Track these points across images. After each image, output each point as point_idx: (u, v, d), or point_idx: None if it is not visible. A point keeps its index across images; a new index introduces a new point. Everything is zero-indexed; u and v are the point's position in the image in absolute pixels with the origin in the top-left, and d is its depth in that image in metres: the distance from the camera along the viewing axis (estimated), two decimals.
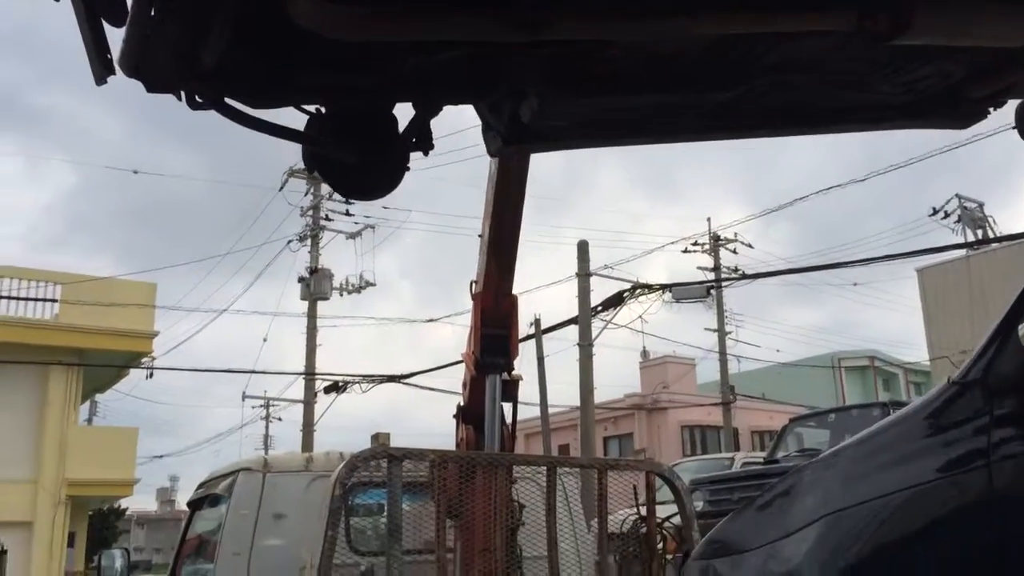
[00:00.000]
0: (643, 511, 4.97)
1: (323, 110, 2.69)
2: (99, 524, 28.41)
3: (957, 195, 25.53)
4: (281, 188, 23.66)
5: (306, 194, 23.95)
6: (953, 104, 2.74)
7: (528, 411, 20.25)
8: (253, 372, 23.94)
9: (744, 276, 20.30)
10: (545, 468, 4.83)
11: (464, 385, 5.50)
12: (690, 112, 2.73)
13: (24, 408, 19.46)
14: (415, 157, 2.80)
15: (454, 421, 5.49)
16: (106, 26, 2.28)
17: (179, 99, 2.46)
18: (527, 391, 21.69)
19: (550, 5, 2.13)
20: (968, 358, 1.81)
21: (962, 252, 19.40)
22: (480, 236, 5.21)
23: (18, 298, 19.21)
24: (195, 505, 5.80)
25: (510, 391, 5.27)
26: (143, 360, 21.39)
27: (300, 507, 4.91)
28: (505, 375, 5.19)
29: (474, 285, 5.29)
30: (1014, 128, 2.71)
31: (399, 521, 4.33)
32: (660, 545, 5.24)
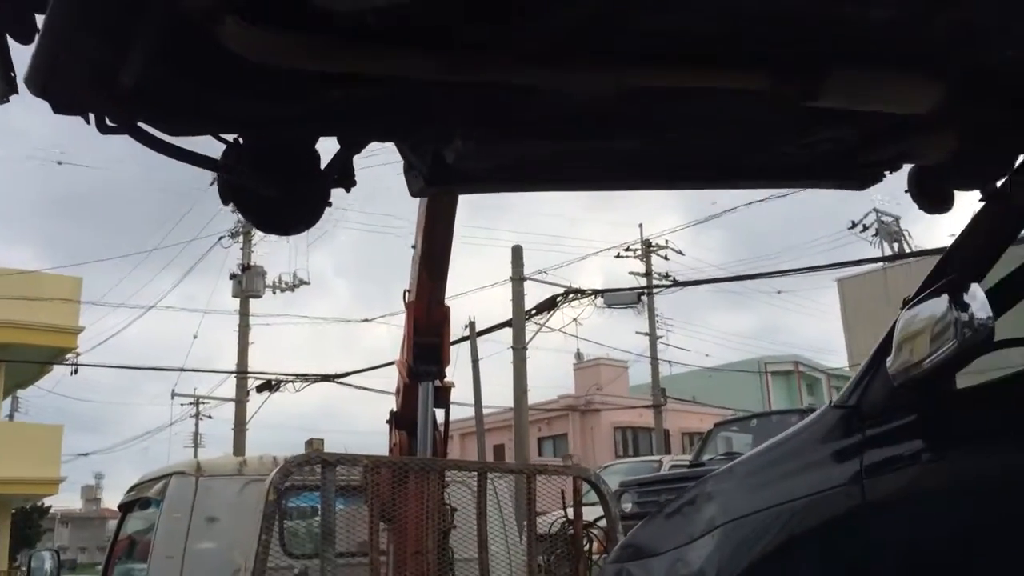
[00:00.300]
0: (571, 514, 5.18)
1: (241, 140, 2.61)
2: (22, 523, 27.70)
3: (875, 209, 26.53)
4: (212, 183, 23.35)
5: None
6: (849, 167, 2.84)
7: (463, 411, 20.43)
8: (182, 370, 23.63)
9: (675, 283, 20.76)
10: (476, 473, 4.99)
11: (397, 392, 5.63)
12: (603, 160, 2.80)
13: None
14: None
15: (387, 426, 5.62)
16: (12, 42, 2.18)
17: (87, 122, 2.35)
18: (462, 391, 21.85)
19: (483, 48, 2.14)
20: (846, 385, 2.03)
21: (879, 264, 20.21)
22: (413, 247, 5.36)
23: None
24: (127, 508, 5.82)
25: (442, 398, 5.43)
26: (67, 356, 20.95)
27: (233, 511, 4.98)
28: (437, 382, 5.34)
29: (407, 295, 5.43)
30: (906, 192, 2.82)
31: (332, 525, 4.45)
32: (587, 546, 5.46)
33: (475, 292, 30.78)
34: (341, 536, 4.70)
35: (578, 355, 37.12)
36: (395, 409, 5.58)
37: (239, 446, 22.42)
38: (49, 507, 33.61)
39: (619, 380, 36.18)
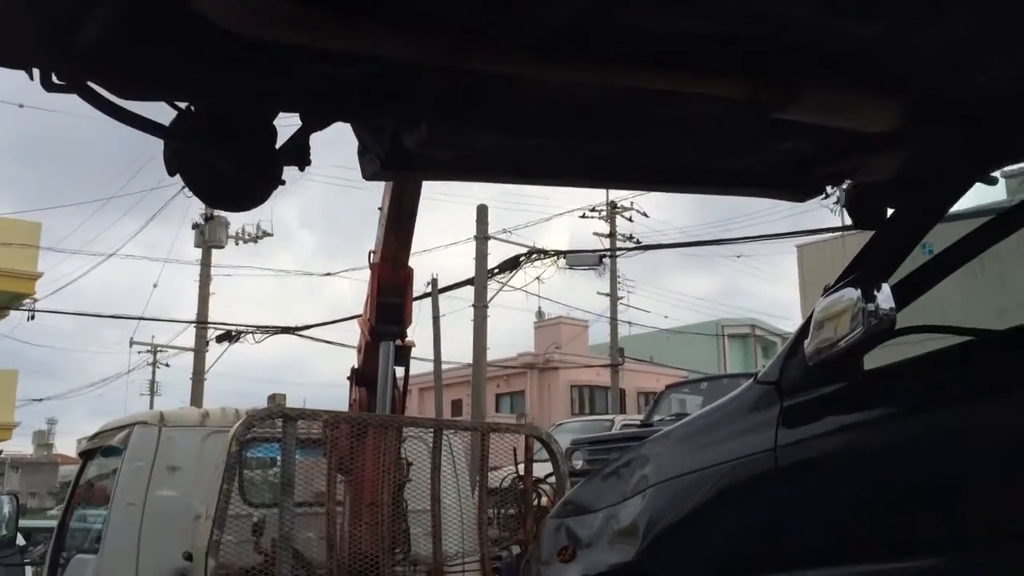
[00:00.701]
0: (521, 470, 5.40)
1: (193, 109, 2.52)
2: None
3: None
4: None
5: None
6: (798, 178, 2.95)
7: (423, 366, 20.63)
8: (141, 319, 23.52)
9: (638, 246, 21.02)
10: (432, 430, 5.18)
11: (359, 349, 5.78)
12: (573, 158, 2.80)
13: None
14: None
15: (348, 381, 5.78)
16: None
17: (31, 77, 2.23)
18: (423, 347, 22.03)
19: (479, 34, 2.10)
20: (770, 362, 2.23)
21: (838, 233, 20.60)
22: (380, 209, 5.47)
23: None
24: (88, 455, 5.93)
25: (403, 356, 5.59)
26: (25, 301, 20.73)
27: (195, 461, 5.12)
28: (398, 341, 5.50)
29: (372, 255, 5.56)
30: (842, 207, 2.97)
31: (292, 476, 4.61)
32: (537, 501, 5.70)
33: (439, 249, 30.91)
34: (300, 487, 4.88)
35: (539, 314, 37.43)
36: (356, 366, 5.73)
37: (197, 396, 22.44)
38: (0, 451, 33.30)
39: (579, 339, 36.58)
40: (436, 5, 2.05)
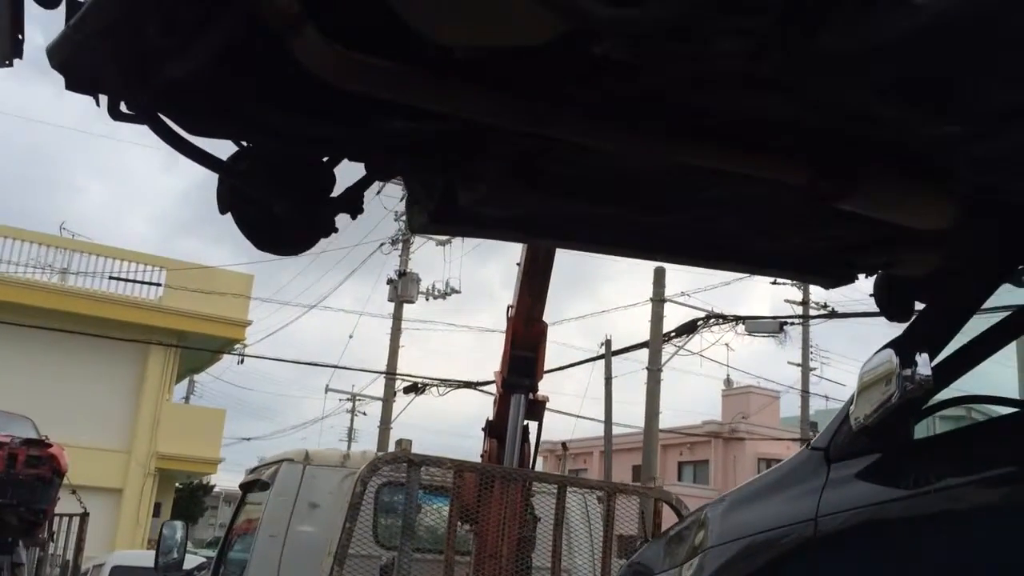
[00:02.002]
0: (649, 536, 5.27)
1: (254, 147, 2.49)
2: (187, 498, 29.87)
3: None
4: (378, 193, 24.60)
5: (401, 199, 24.81)
6: (836, 266, 2.84)
7: (598, 429, 20.54)
8: (336, 367, 24.98)
9: (821, 315, 20.04)
10: (557, 486, 5.17)
11: (495, 402, 5.90)
12: (623, 227, 2.74)
13: (123, 382, 20.78)
14: None
15: (482, 433, 5.89)
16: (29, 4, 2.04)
17: (97, 104, 2.21)
18: (597, 409, 21.92)
19: (566, 102, 2.08)
20: (824, 429, 2.12)
21: None
22: (518, 264, 5.61)
23: (126, 279, 20.55)
24: (246, 488, 6.35)
25: (536, 411, 5.65)
26: (236, 347, 22.54)
27: (333, 499, 5.36)
28: (532, 395, 5.57)
29: (510, 310, 5.69)
30: (871, 295, 2.82)
31: (413, 521, 4.74)
32: None
33: (617, 311, 30.83)
34: (429, 533, 4.99)
35: (727, 382, 36.38)
36: (490, 418, 5.84)
37: (383, 443, 23.39)
38: (214, 486, 36.01)
39: (769, 410, 35.17)
40: (527, 73, 2.02)
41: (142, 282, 20.88)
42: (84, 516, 9.28)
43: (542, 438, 6.04)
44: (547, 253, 5.34)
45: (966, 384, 1.98)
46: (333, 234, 2.73)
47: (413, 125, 2.28)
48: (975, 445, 1.76)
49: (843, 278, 2.91)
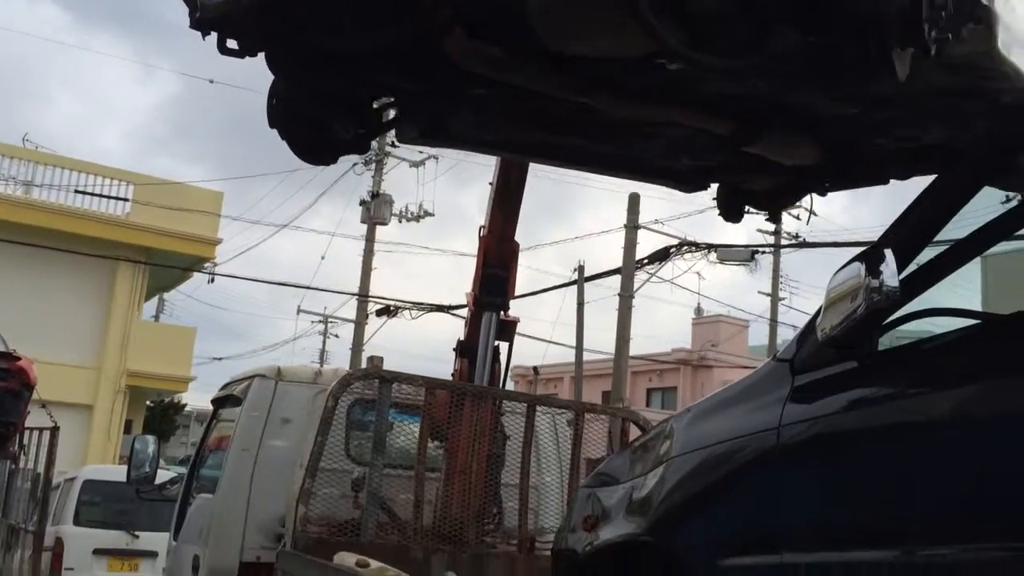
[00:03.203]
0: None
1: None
2: (158, 416, 29.95)
3: None
4: None
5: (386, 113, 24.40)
6: (701, 177, 3.62)
7: (569, 355, 20.75)
8: (308, 288, 24.85)
9: (793, 244, 20.21)
10: (526, 406, 5.24)
11: (466, 322, 5.92)
12: (576, 151, 3.47)
13: (91, 299, 20.59)
14: None
15: (453, 353, 5.92)
16: None
17: (203, 37, 2.73)
18: (569, 335, 22.11)
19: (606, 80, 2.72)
20: (790, 340, 2.14)
21: None
22: (490, 184, 5.57)
23: (92, 193, 20.19)
24: (218, 403, 6.38)
25: (507, 331, 5.68)
26: (206, 265, 22.36)
27: (305, 415, 5.40)
28: (503, 315, 5.59)
29: (482, 229, 5.67)
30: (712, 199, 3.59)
31: (384, 436, 4.80)
32: None
33: (591, 237, 30.90)
34: (400, 450, 5.05)
35: (698, 310, 36.79)
36: (461, 338, 5.87)
37: (355, 365, 23.50)
38: (185, 404, 36.14)
39: (738, 339, 35.70)
40: (596, 64, 2.61)
41: (108, 196, 20.52)
42: (54, 430, 9.26)
43: (513, 362, 6.10)
44: (519, 173, 5.30)
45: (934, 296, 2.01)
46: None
47: (492, 91, 2.83)
48: (937, 356, 1.79)
49: (700, 187, 3.72)
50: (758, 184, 3.44)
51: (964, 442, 1.65)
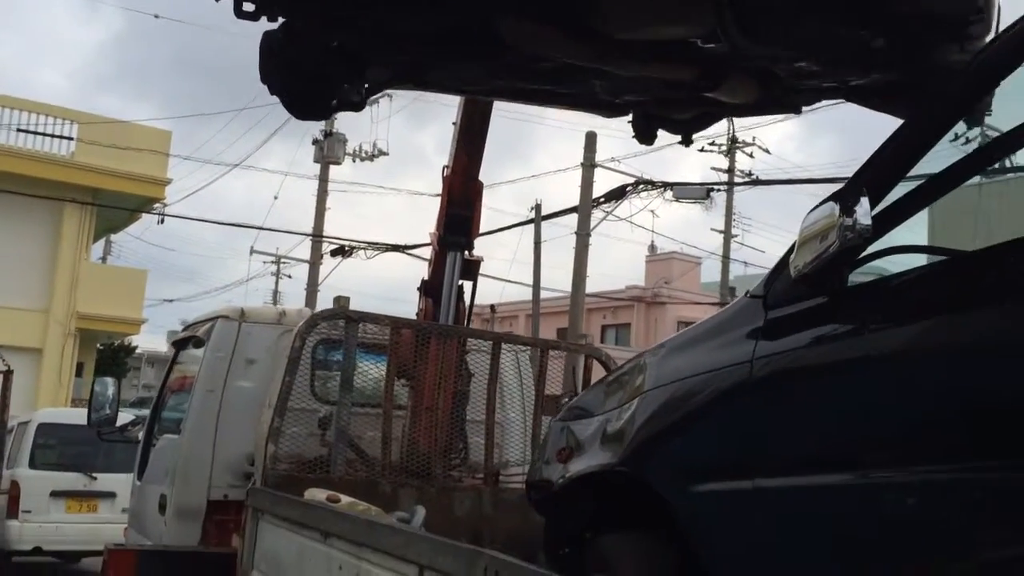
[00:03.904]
0: (579, 390, 5.48)
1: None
2: (109, 359, 29.60)
3: None
4: None
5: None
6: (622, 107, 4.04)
7: (527, 292, 20.87)
8: (261, 228, 24.68)
9: (747, 182, 20.44)
10: (491, 342, 5.30)
11: (430, 262, 5.94)
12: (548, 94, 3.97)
13: (38, 241, 20.14)
14: None
15: (418, 293, 5.95)
16: None
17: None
18: (527, 274, 22.21)
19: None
20: (763, 276, 2.21)
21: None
22: (453, 124, 5.54)
23: (35, 132, 19.59)
24: (179, 345, 6.35)
25: (471, 270, 5.71)
26: (155, 206, 21.93)
27: (270, 355, 5.41)
28: (467, 254, 5.62)
29: (446, 170, 5.66)
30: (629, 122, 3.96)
31: (351, 375, 4.83)
32: None
33: (548, 175, 30.88)
34: (367, 388, 5.09)
35: (652, 248, 37.14)
36: (425, 277, 5.89)
37: (311, 306, 23.39)
38: (135, 347, 35.71)
39: (690, 276, 36.17)
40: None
41: (52, 135, 19.92)
42: (8, 373, 9.17)
43: None
44: (483, 113, 5.28)
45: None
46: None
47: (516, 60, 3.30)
48: (903, 291, 1.87)
49: (622, 114, 4.12)
50: (680, 114, 3.85)
51: (926, 371, 1.73)
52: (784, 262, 2.09)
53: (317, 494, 4.25)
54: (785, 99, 3.64)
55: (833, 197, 1.88)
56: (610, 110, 4.01)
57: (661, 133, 4.04)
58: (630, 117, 4.07)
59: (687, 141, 4.05)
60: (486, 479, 5.30)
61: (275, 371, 5.06)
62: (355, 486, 4.61)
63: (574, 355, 5.69)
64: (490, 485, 5.26)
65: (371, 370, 5.23)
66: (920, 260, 2.04)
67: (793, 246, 2.05)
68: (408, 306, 5.72)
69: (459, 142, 5.38)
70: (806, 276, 1.94)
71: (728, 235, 28.58)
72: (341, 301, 4.96)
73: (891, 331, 1.83)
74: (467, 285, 5.77)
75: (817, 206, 1.93)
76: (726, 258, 28.81)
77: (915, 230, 2.34)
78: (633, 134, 4.04)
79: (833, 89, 3.53)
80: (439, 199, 5.69)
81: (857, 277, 1.99)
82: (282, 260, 35.81)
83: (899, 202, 2.11)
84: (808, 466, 1.91)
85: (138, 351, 40.40)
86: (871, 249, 1.97)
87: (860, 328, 1.89)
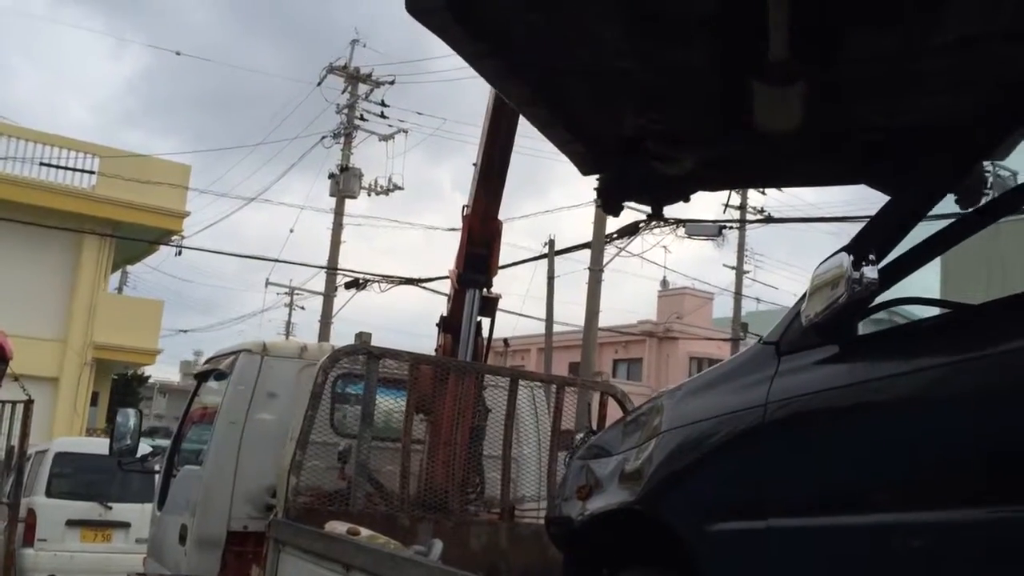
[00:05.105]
0: (595, 427, 5.57)
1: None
2: (123, 388, 29.76)
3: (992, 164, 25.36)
4: (319, 83, 24.04)
5: (343, 92, 24.30)
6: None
7: (540, 327, 20.96)
8: (276, 261, 24.89)
9: (759, 220, 20.54)
10: (508, 379, 5.41)
11: (449, 298, 6.06)
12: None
13: (57, 272, 20.38)
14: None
15: (437, 329, 6.07)
16: None
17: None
18: (540, 308, 22.31)
19: None
20: (776, 324, 2.32)
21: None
22: (474, 165, 5.69)
23: (57, 166, 19.92)
24: (201, 377, 6.47)
25: (489, 307, 5.83)
26: (173, 238, 22.19)
27: (291, 389, 5.52)
28: (485, 291, 5.74)
29: (465, 208, 5.80)
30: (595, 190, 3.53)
31: (371, 410, 4.94)
32: None
33: (562, 211, 31.15)
34: (385, 423, 5.19)
35: (664, 283, 37.20)
36: (444, 314, 6.01)
37: (324, 338, 23.53)
38: (148, 376, 35.88)
39: (702, 311, 36.16)
40: None
41: (74, 169, 20.25)
42: (29, 403, 9.25)
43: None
44: (503, 155, 5.43)
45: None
46: None
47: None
48: (910, 342, 1.98)
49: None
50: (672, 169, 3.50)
51: (932, 419, 1.84)
52: (794, 311, 2.20)
53: (337, 527, 4.34)
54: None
55: (845, 249, 1.99)
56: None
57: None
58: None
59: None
60: (502, 514, 5.38)
61: (296, 405, 5.17)
62: (374, 519, 4.70)
63: (589, 391, 5.77)
64: (506, 520, 5.34)
65: (390, 405, 5.33)
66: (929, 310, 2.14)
67: (805, 295, 2.16)
68: (420, 339, 5.88)
69: (479, 183, 5.52)
70: (817, 325, 2.05)
71: (740, 271, 28.65)
72: (363, 337, 5.07)
73: (899, 379, 1.93)
74: (485, 321, 5.89)
75: (828, 257, 2.04)
76: (738, 294, 28.85)
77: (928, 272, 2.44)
78: (597, 201, 3.77)
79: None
80: (457, 235, 5.82)
81: (866, 326, 2.09)
82: (296, 292, 36.07)
83: (907, 255, 2.22)
84: (819, 507, 2.01)
85: (151, 380, 40.59)
86: (880, 299, 2.08)
87: (869, 376, 1.99)
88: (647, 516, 2.44)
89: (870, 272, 1.91)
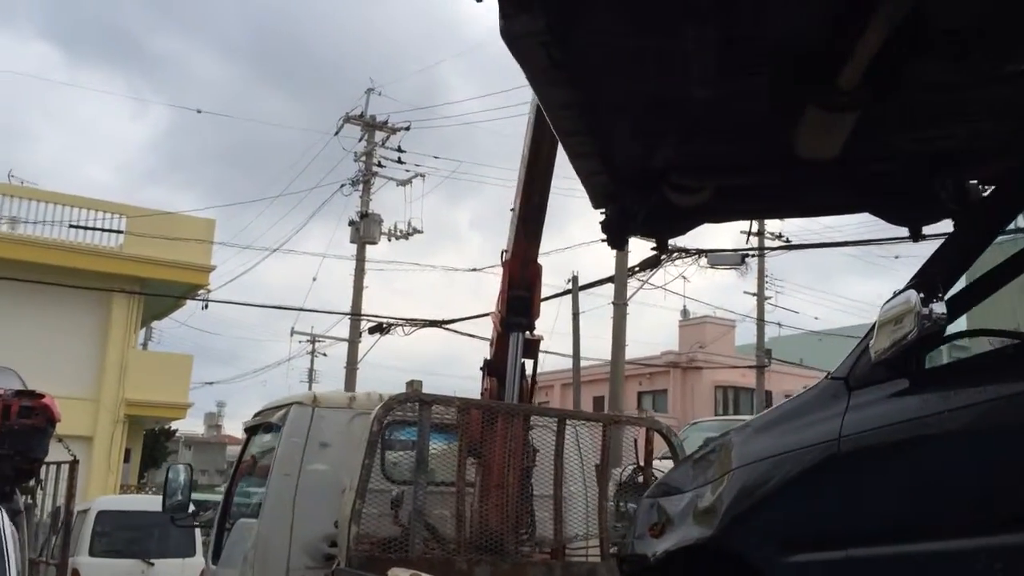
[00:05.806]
0: (641, 462, 5.64)
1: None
2: (150, 443, 29.95)
3: None
4: (336, 133, 24.43)
5: (360, 140, 24.66)
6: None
7: (565, 363, 21.01)
8: (300, 310, 25.18)
9: (780, 247, 20.59)
10: (556, 419, 5.49)
11: (492, 342, 6.17)
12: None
13: (88, 331, 20.66)
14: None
15: (481, 372, 6.17)
16: None
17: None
18: (565, 344, 22.36)
19: None
20: (844, 359, 2.42)
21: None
22: (512, 210, 5.83)
23: (86, 227, 20.27)
24: (252, 431, 6.58)
25: (531, 349, 5.93)
26: (199, 292, 22.46)
27: (343, 439, 5.62)
28: (527, 334, 5.85)
29: (504, 254, 5.93)
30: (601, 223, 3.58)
31: (426, 455, 5.03)
32: None
33: (583, 246, 31.26)
34: (436, 468, 5.28)
35: (684, 313, 37.15)
36: (488, 357, 6.12)
37: (350, 384, 23.65)
38: (175, 431, 36.07)
39: (725, 339, 36.05)
40: None
41: (102, 229, 20.61)
42: (74, 463, 9.42)
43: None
44: (541, 198, 5.56)
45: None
46: None
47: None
48: (978, 374, 2.07)
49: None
50: (689, 199, 3.50)
51: (1005, 446, 1.93)
52: (863, 346, 2.30)
53: (400, 574, 4.42)
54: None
55: (913, 285, 2.09)
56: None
57: None
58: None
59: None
60: (553, 553, 5.44)
61: (349, 454, 5.27)
62: (432, 564, 4.77)
63: (632, 427, 5.84)
64: (559, 559, 5.39)
65: (440, 449, 5.42)
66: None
67: (872, 330, 2.26)
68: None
69: (518, 227, 5.65)
70: (887, 360, 2.15)
71: (761, 298, 28.63)
72: (414, 385, 5.18)
73: (971, 409, 2.03)
74: (527, 362, 5.99)
75: (896, 294, 2.14)
76: (760, 320, 28.79)
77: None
78: (603, 237, 3.73)
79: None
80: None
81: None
82: (318, 339, 36.28)
83: (971, 287, 2.31)
84: (898, 535, 2.09)
85: (177, 434, 40.80)
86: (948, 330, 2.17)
87: (943, 407, 2.08)
88: (724, 550, 2.52)
89: (938, 308, 2.01)
